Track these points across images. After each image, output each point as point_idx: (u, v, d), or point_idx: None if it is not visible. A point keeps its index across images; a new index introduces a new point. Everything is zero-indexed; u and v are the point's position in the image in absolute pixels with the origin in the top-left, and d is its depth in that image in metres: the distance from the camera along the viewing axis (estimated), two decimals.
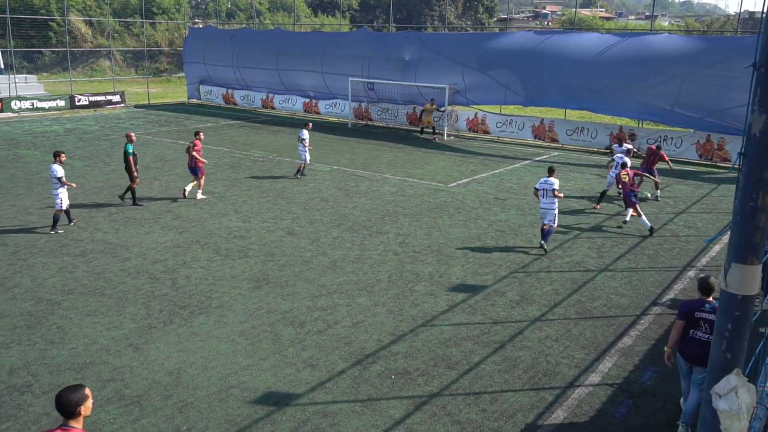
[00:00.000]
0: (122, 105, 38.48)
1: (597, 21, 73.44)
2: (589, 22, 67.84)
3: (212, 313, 10.52)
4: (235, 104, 39.20)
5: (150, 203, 17.08)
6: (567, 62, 26.49)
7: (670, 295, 11.78)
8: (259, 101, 37.99)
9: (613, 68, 25.50)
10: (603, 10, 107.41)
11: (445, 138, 29.28)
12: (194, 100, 41.68)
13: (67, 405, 4.55)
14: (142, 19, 48.11)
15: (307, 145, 20.27)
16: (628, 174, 15.53)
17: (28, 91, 37.67)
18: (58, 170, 14.31)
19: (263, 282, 11.85)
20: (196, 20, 68.19)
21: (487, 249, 14.03)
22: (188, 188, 17.69)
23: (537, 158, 25.16)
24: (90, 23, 55.04)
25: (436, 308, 10.91)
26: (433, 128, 29.26)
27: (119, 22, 54.87)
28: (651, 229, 15.28)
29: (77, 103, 36.25)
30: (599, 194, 18.30)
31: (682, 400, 7.89)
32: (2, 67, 43.55)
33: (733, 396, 3.90)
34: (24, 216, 15.69)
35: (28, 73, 45.62)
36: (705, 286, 7.43)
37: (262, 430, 7.46)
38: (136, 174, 16.60)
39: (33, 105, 34.70)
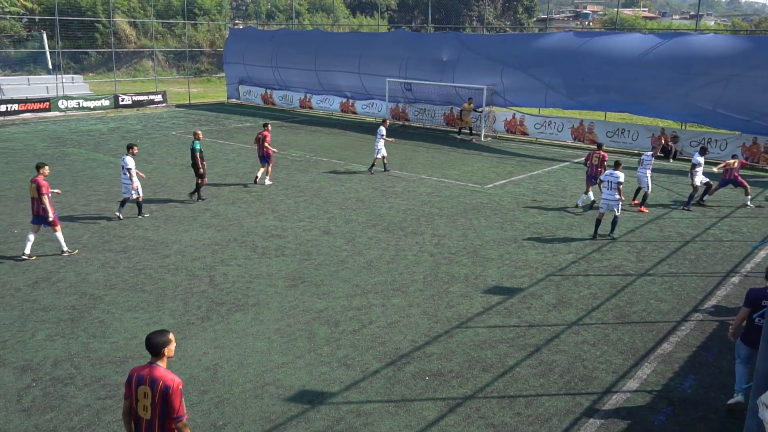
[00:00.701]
0: (164, 105, 39.22)
1: (639, 21, 72.07)
2: (632, 22, 66.59)
3: (249, 310, 10.65)
4: (273, 104, 39.61)
5: (189, 201, 17.36)
6: (608, 63, 26.08)
7: (713, 301, 11.49)
8: (297, 101, 38.32)
9: (655, 69, 25.00)
10: (646, 9, 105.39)
11: (483, 139, 29.10)
12: (234, 100, 42.25)
13: (153, 346, 5.38)
14: (184, 20, 48.96)
15: (385, 139, 21.27)
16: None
17: (74, 90, 38.66)
18: (130, 162, 15.15)
19: (299, 281, 11.94)
20: (237, 21, 69.11)
21: (523, 251, 13.89)
22: (259, 174, 19.40)
23: (576, 160, 24.80)
24: (134, 24, 56.26)
25: (471, 310, 10.85)
26: (470, 129, 29.11)
27: (162, 23, 55.93)
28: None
29: (121, 103, 37.08)
30: (635, 192, 18.33)
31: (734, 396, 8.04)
32: (50, 67, 44.79)
33: None
34: (69, 212, 16.10)
35: (75, 73, 46.80)
36: None
37: (297, 428, 7.52)
38: (202, 170, 17.18)
39: (79, 104, 35.61)
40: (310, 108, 37.75)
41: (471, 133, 29.20)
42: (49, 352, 9.15)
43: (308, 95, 37.69)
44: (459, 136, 29.03)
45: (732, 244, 14.78)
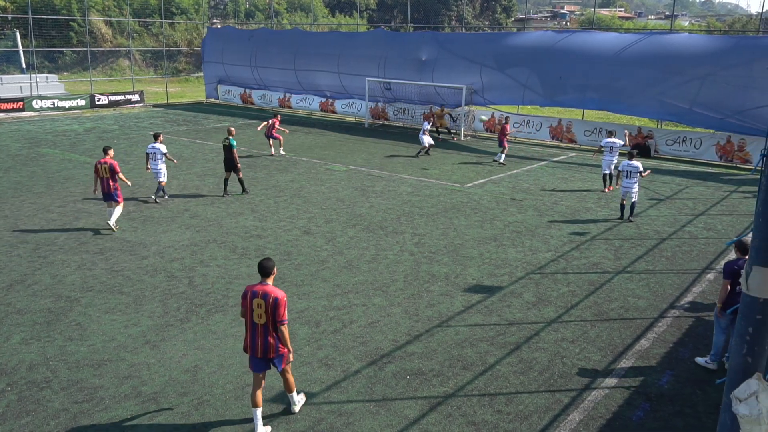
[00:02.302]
0: (141, 104, 38.82)
1: (616, 21, 72.84)
2: (608, 22, 67.31)
3: (229, 311, 10.58)
4: (252, 104, 39.40)
5: (167, 201, 17.21)
6: (585, 62, 26.32)
7: (689, 297, 11.65)
8: (276, 101, 38.15)
9: (631, 68, 25.29)
10: (622, 9, 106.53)
11: (462, 138, 29.21)
12: (212, 100, 41.96)
13: (265, 268, 7.26)
14: (161, 19, 48.51)
15: (427, 132, 24.37)
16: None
17: (49, 90, 38.12)
18: (163, 147, 16.89)
19: (279, 281, 11.89)
20: (215, 20, 68.60)
21: (503, 250, 13.97)
22: (273, 150, 23.96)
23: (554, 159, 25.01)
24: (110, 23, 55.61)
25: (451, 309, 10.89)
26: (448, 129, 29.24)
27: (139, 22, 55.35)
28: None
29: (97, 103, 36.64)
30: (603, 178, 19.86)
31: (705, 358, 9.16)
32: (24, 66, 44.09)
33: (754, 400, 3.85)
34: (44, 213, 15.88)
35: (49, 72, 46.17)
36: (743, 246, 8.61)
37: (278, 429, 7.48)
38: (239, 165, 17.99)
39: (54, 104, 35.13)
40: (290, 107, 37.61)
41: (449, 133, 29.34)
42: (24, 355, 9.01)
43: (287, 95, 37.55)
44: (439, 137, 29.10)
45: (707, 241, 15.00)
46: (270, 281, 7.24)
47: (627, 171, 15.97)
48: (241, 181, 18.17)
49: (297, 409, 7.83)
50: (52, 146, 25.09)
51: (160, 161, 16.88)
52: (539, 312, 10.85)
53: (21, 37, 45.06)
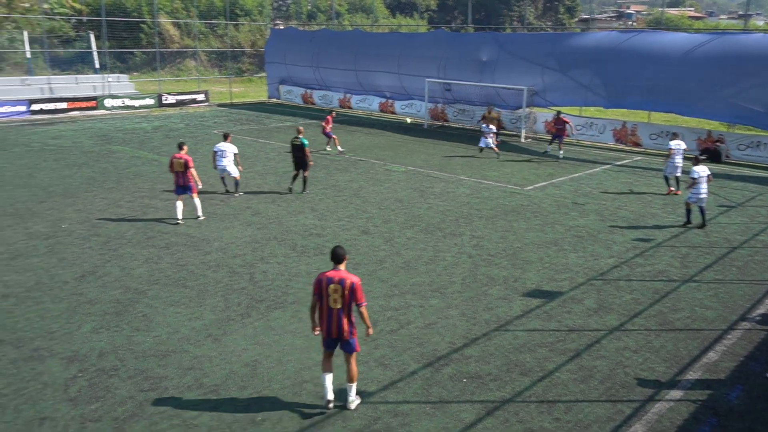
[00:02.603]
0: (206, 104, 39.86)
1: (685, 20, 70.45)
2: (677, 22, 65.16)
3: (288, 308, 10.74)
4: (313, 104, 39.90)
5: (230, 199, 17.61)
6: (652, 63, 25.53)
7: (761, 309, 11.16)
8: (336, 101, 38.52)
9: (702, 69, 24.40)
10: (692, 9, 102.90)
11: (522, 140, 28.82)
12: (274, 100, 42.70)
13: (338, 255, 7.65)
14: (226, 20, 49.68)
15: (490, 135, 24.35)
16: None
17: (119, 89, 39.59)
18: (234, 147, 17.73)
19: None
20: (278, 22, 69.82)
21: (564, 254, 13.71)
22: (339, 148, 24.59)
23: (618, 163, 24.38)
24: (178, 25, 57.30)
25: (510, 313, 10.76)
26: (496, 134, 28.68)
27: (205, 23, 56.86)
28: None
29: (164, 102, 37.82)
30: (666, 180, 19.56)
31: None
32: (97, 66, 45.92)
33: None
34: (114, 208, 16.49)
35: (120, 72, 47.90)
36: None
37: (334, 426, 7.56)
38: (311, 163, 18.58)
39: (124, 103, 36.44)
40: (350, 108, 37.91)
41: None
42: (94, 344, 9.39)
43: (348, 95, 37.86)
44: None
45: None
46: (342, 267, 7.66)
47: (700, 177, 15.59)
48: (305, 180, 18.42)
49: (353, 405, 7.90)
50: (122, 143, 26.04)
51: (228, 159, 17.53)
52: (601, 319, 10.60)
53: (95, 39, 46.97)
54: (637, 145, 27.09)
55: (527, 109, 29.22)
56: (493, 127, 24.61)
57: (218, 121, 33.38)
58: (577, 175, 21.98)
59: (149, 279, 11.88)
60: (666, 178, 19.41)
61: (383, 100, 36.06)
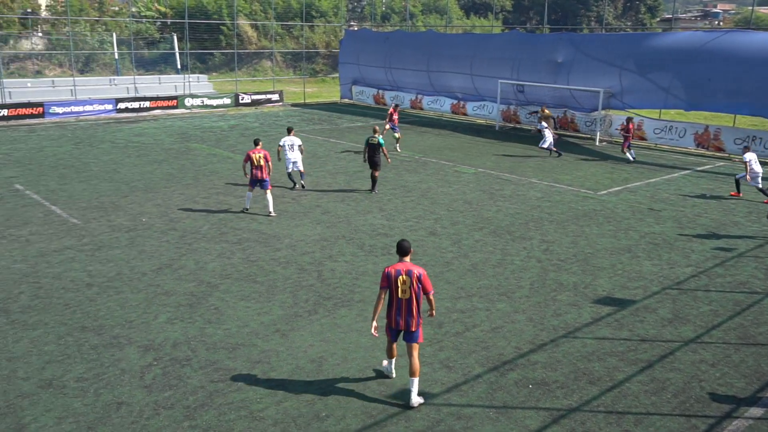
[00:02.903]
0: (280, 104, 40.75)
1: None
2: None
3: (354, 306, 10.85)
4: (384, 104, 40.10)
5: (301, 197, 17.95)
6: (739, 64, 24.35)
7: None
8: (408, 102, 38.60)
9: None
10: None
11: (597, 143, 28.07)
12: (346, 100, 43.20)
13: (404, 249, 8.03)
14: (302, 22, 50.65)
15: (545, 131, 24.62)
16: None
17: (199, 89, 41.04)
18: (298, 140, 18.48)
19: None
20: (352, 23, 70.60)
21: (637, 262, 13.27)
22: (399, 149, 24.85)
23: (699, 168, 23.40)
24: (255, 27, 58.86)
25: (579, 320, 10.51)
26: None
27: (281, 25, 58.14)
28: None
29: (240, 102, 38.91)
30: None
31: None
32: (179, 67, 47.75)
33: None
34: (191, 203, 17.10)
35: (200, 73, 49.68)
36: None
37: (397, 425, 7.58)
38: (389, 161, 19.25)
39: (203, 102, 37.72)
40: (421, 109, 37.93)
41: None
42: (169, 334, 9.77)
43: (419, 96, 37.88)
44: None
45: None
46: (408, 259, 8.02)
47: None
48: (375, 179, 18.60)
49: (415, 403, 7.96)
50: (200, 141, 26.95)
51: (296, 151, 18.37)
52: (675, 330, 10.21)
53: (177, 40, 48.84)
54: (720, 149, 25.89)
55: (603, 112, 28.43)
56: (546, 125, 24.81)
57: (291, 120, 34.05)
58: (654, 180, 21.23)
59: (221, 273, 12.26)
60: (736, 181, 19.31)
61: (455, 101, 35.88)
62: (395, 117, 25.31)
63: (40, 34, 52.98)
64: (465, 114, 35.41)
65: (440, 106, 36.82)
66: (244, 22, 57.30)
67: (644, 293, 11.66)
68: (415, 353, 8.01)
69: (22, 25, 50.63)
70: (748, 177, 18.45)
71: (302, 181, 19.16)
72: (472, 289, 11.72)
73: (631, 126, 24.20)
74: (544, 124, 24.96)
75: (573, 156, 25.10)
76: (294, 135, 18.61)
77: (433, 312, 8.27)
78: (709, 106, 26.07)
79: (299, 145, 18.40)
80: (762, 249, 14.28)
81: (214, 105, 38.08)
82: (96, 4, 54.44)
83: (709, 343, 9.81)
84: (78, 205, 16.82)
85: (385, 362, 8.71)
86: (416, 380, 7.98)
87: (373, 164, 18.34)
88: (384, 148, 18.18)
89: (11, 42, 50.15)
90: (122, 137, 27.71)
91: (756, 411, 8.01)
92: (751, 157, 18.43)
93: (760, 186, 18.50)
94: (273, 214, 16.17)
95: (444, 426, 7.59)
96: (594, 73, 28.52)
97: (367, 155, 18.36)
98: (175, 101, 36.61)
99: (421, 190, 19.11)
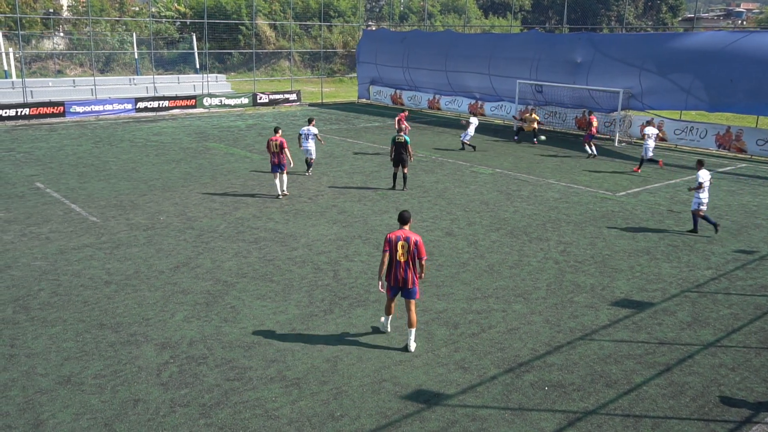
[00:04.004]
0: (298, 103, 40.88)
1: None
2: None
3: (369, 306, 10.85)
4: (402, 104, 40.09)
5: (318, 197, 17.99)
6: (762, 64, 24.00)
7: None
8: (425, 102, 38.55)
9: None
10: None
11: (617, 144, 27.82)
12: (363, 100, 43.24)
13: (405, 218, 9.24)
14: (320, 22, 50.78)
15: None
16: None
17: (217, 89, 41.30)
18: (315, 129, 20.12)
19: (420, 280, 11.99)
20: (370, 23, 70.64)
21: (656, 264, 13.12)
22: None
23: (720, 170, 23.10)
24: (274, 27, 59.12)
25: (596, 322, 10.41)
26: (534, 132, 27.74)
27: (300, 25, 58.34)
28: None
29: (258, 101, 39.10)
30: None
31: None
32: (198, 67, 48.10)
33: None
34: (208, 202, 17.21)
35: (219, 72, 50.02)
36: None
37: (411, 426, 7.56)
38: (412, 159, 19.61)
39: (221, 102, 37.96)
40: (438, 109, 37.85)
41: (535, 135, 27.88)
42: (185, 332, 9.83)
43: (437, 96, 37.80)
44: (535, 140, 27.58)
45: None
46: (407, 227, 9.18)
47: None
48: (406, 177, 18.92)
49: (412, 348, 9.21)
50: (218, 141, 27.11)
51: (311, 141, 20.03)
52: (695, 333, 10.08)
53: (196, 40, 49.20)
54: (742, 151, 25.56)
55: (622, 113, 28.17)
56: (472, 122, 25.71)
57: None
58: (674, 181, 21.00)
59: (238, 272, 12.32)
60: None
61: (472, 101, 35.76)
62: (405, 124, 23.88)
63: (61, 34, 53.65)
64: (483, 114, 35.25)
65: (458, 106, 36.71)
66: (262, 22, 57.58)
67: (663, 296, 11.53)
68: (413, 308, 9.22)
69: (44, 25, 51.31)
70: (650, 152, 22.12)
71: (308, 170, 20.68)
72: (489, 290, 11.66)
73: (592, 118, 24.97)
74: (473, 120, 25.76)
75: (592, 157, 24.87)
76: (313, 125, 20.12)
77: (422, 274, 9.30)
78: (732, 108, 25.74)
79: (315, 134, 20.07)
80: None
81: (233, 104, 38.29)
82: (116, 5, 55.02)
83: (729, 346, 9.67)
84: (97, 204, 17.00)
85: (382, 318, 9.85)
86: (414, 330, 9.26)
87: (402, 162, 18.48)
88: (410, 146, 18.45)
89: (33, 42, 50.83)
90: (141, 136, 27.96)
91: None
92: (651, 132, 22.21)
93: (649, 156, 22.10)
94: (286, 193, 17.85)
95: (459, 427, 7.55)
96: (613, 74, 28.29)
97: (393, 154, 18.42)
98: (194, 101, 36.87)
99: (438, 190, 19.06)
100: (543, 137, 27.13)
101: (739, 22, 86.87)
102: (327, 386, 8.38)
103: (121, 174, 20.57)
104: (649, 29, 67.46)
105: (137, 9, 57.49)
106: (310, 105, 41.25)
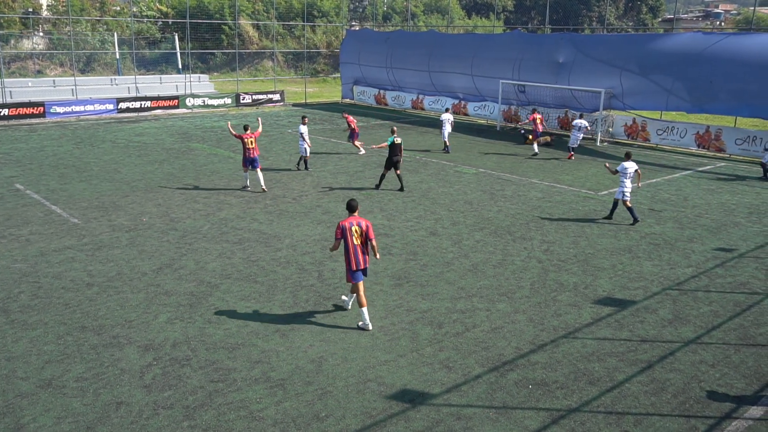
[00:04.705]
0: (281, 103, 40.75)
1: None
2: None
3: (354, 306, 10.84)
4: (385, 105, 40.12)
5: (302, 198, 17.95)
6: (741, 66, 24.33)
7: None
8: (409, 102, 38.60)
9: None
10: None
11: (598, 144, 28.05)
12: (347, 100, 43.20)
13: (353, 207, 10.00)
14: (303, 22, 50.65)
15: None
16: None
17: (200, 89, 41.06)
18: (303, 129, 20.66)
19: (404, 280, 12.03)
20: (353, 23, 70.60)
21: (638, 262, 13.26)
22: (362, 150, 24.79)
23: (699, 168, 23.38)
24: (257, 26, 58.87)
25: (579, 320, 10.50)
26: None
27: (283, 25, 58.14)
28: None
29: (241, 101, 38.92)
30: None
31: None
32: (180, 67, 47.77)
33: None
34: (191, 203, 17.10)
35: (201, 72, 49.71)
36: None
37: (396, 426, 7.58)
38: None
39: (204, 102, 37.74)
40: (422, 109, 37.92)
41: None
42: (169, 333, 9.77)
43: (421, 96, 37.87)
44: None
45: None
46: (356, 214, 10.00)
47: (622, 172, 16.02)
48: (401, 177, 18.96)
49: (370, 325, 10.02)
50: (201, 141, 26.96)
51: (301, 140, 20.67)
52: (676, 330, 10.20)
53: (179, 40, 48.86)
54: (721, 150, 25.88)
55: (604, 112, 28.41)
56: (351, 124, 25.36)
57: (293, 120, 34.06)
58: (654, 180, 21.21)
59: (222, 273, 12.26)
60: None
61: (456, 101, 35.87)
62: (354, 126, 24.53)
63: (41, 34, 53.04)
64: (466, 114, 35.38)
65: (441, 106, 36.75)
66: (245, 22, 57.32)
67: (645, 294, 11.65)
68: (363, 287, 10.08)
69: (23, 25, 50.69)
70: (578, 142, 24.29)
71: (299, 166, 21.66)
72: (473, 289, 11.71)
73: (534, 116, 25.40)
74: (444, 117, 25.65)
75: (574, 156, 25.04)
76: (304, 125, 20.74)
77: (377, 255, 10.28)
78: (712, 108, 26.05)
79: (301, 134, 20.65)
80: (763, 249, 14.26)
81: (215, 105, 38.09)
82: (97, 4, 54.48)
83: (709, 343, 9.80)
84: (78, 205, 16.83)
85: (344, 297, 10.88)
86: (366, 309, 10.02)
87: (395, 164, 18.55)
88: (401, 147, 18.80)
89: (12, 41, 50.19)
90: (123, 137, 27.72)
91: (756, 411, 8.00)
92: (580, 123, 24.20)
93: (576, 145, 24.40)
94: (265, 189, 18.38)
95: (444, 426, 7.58)
96: (595, 74, 28.52)
97: (388, 155, 18.53)
98: (177, 101, 36.62)
99: (422, 190, 19.10)
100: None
101: (718, 23, 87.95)
102: (312, 387, 8.37)
103: (102, 175, 20.38)
104: (629, 30, 68.10)
105: (118, 8, 56.95)
106: (294, 105, 41.14)
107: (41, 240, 13.98)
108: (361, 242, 9.80)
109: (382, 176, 18.98)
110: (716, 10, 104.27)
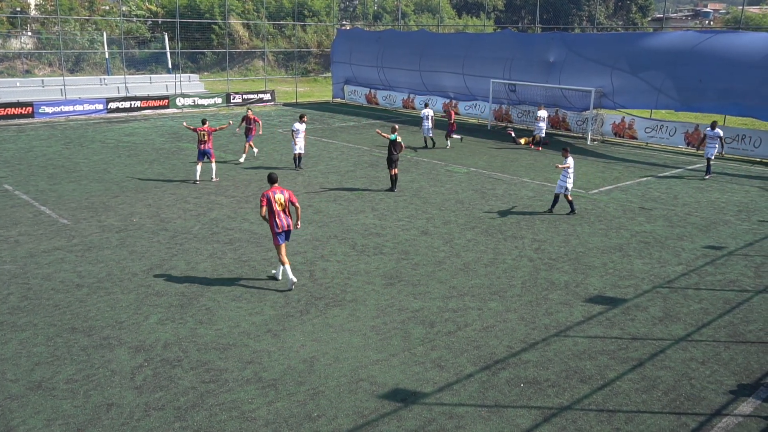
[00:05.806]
0: (272, 103, 40.65)
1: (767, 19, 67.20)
2: (758, 21, 62.24)
3: (346, 306, 10.84)
4: (377, 104, 40.11)
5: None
6: (730, 65, 24.48)
7: None
8: (400, 101, 38.60)
9: None
10: None
11: (589, 143, 28.16)
12: (338, 100, 43.16)
13: (273, 179, 11.38)
14: (294, 21, 50.55)
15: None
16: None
17: (190, 89, 40.90)
18: (298, 126, 20.95)
19: (396, 279, 12.04)
20: (344, 22, 70.52)
21: (628, 260, 13.32)
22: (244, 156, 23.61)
23: (689, 167, 23.51)
24: (247, 26, 58.71)
25: (570, 318, 10.53)
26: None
27: (273, 24, 58.00)
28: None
29: (232, 101, 38.80)
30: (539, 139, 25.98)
31: None
32: (170, 67, 47.55)
33: None
34: (182, 204, 17.03)
35: (192, 72, 49.50)
36: None
37: (389, 425, 7.58)
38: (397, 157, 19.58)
39: (194, 102, 37.59)
40: (413, 108, 37.92)
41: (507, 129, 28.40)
42: (160, 335, 9.72)
43: (411, 95, 37.88)
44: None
45: None
46: (277, 185, 11.34)
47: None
48: (395, 178, 18.85)
49: (294, 279, 11.46)
50: (191, 141, 26.81)
51: (296, 137, 20.95)
52: (666, 328, 10.25)
53: (168, 40, 48.64)
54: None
55: (594, 111, 28.52)
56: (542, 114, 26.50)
57: (283, 120, 34.00)
58: (644, 179, 21.32)
59: (213, 273, 12.22)
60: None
61: (447, 100, 35.90)
62: (254, 126, 22.62)
63: (29, 33, 52.66)
64: (457, 113, 35.36)
65: (432, 105, 36.67)
66: (235, 22, 57.14)
67: (635, 292, 11.70)
68: (285, 248, 11.40)
69: (11, 24, 50.31)
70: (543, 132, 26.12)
71: (300, 164, 21.64)
72: (464, 288, 11.73)
73: (452, 113, 26.54)
74: (424, 113, 25.94)
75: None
76: (301, 123, 21.00)
77: (299, 223, 11.75)
78: (701, 107, 26.19)
79: (295, 131, 20.86)
80: (752, 247, 14.36)
81: (206, 104, 37.95)
82: (86, 3, 54.14)
83: (699, 341, 9.85)
84: (68, 206, 16.73)
85: (273, 270, 12.10)
86: (289, 266, 11.41)
87: (394, 163, 18.49)
88: (402, 145, 18.72)
89: (0, 41, 49.81)
90: (113, 137, 27.57)
91: (746, 408, 8.05)
92: (543, 114, 26.00)
93: (542, 135, 26.16)
94: (216, 179, 19.44)
95: (436, 425, 7.59)
96: (586, 73, 28.63)
97: (387, 154, 18.50)
98: (167, 101, 36.46)
99: (413, 189, 19.11)
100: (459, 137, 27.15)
101: (707, 22, 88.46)
102: (304, 387, 8.36)
103: (92, 175, 20.27)
104: (619, 29, 68.38)
105: (107, 8, 56.63)
106: (285, 105, 41.05)
107: (30, 241, 13.89)
108: (282, 209, 11.14)
109: (390, 177, 18.85)
110: (705, 10, 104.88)
